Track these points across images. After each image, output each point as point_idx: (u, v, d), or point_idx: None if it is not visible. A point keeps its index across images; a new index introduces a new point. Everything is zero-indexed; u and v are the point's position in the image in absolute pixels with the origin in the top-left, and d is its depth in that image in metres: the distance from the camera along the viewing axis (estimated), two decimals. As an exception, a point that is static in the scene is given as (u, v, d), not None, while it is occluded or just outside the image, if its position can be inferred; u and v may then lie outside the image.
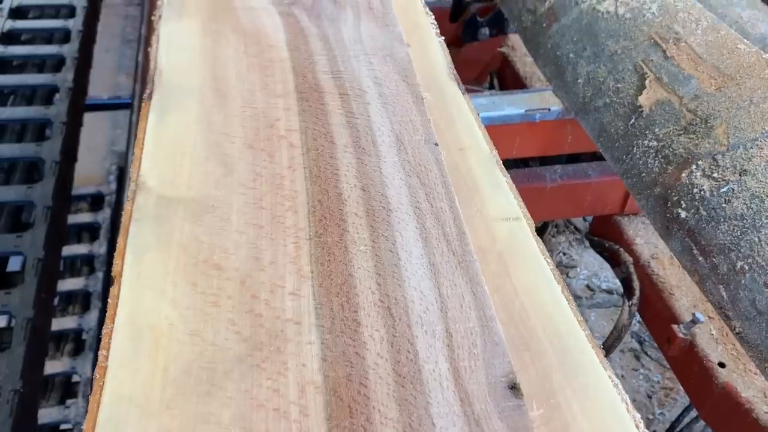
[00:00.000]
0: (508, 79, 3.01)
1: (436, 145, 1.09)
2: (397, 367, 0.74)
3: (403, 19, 1.42)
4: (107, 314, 0.81)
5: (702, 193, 1.22)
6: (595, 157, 2.44)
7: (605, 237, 2.59)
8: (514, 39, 2.97)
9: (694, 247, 1.29)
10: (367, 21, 1.36)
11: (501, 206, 1.04)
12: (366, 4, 1.41)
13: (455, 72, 1.35)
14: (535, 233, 1.05)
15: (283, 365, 0.74)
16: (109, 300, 0.83)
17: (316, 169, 1.01)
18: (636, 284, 2.35)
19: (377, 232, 0.92)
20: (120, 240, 0.89)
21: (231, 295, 0.82)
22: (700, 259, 1.27)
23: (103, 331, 0.79)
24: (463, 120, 1.21)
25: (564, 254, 4.35)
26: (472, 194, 1.05)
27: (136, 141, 1.06)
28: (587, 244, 3.86)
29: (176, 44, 1.22)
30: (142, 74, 2.46)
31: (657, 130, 1.34)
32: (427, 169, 1.03)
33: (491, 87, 3.29)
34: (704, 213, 1.23)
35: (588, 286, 4.22)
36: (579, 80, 1.61)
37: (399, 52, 1.29)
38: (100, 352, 0.75)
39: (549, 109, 2.27)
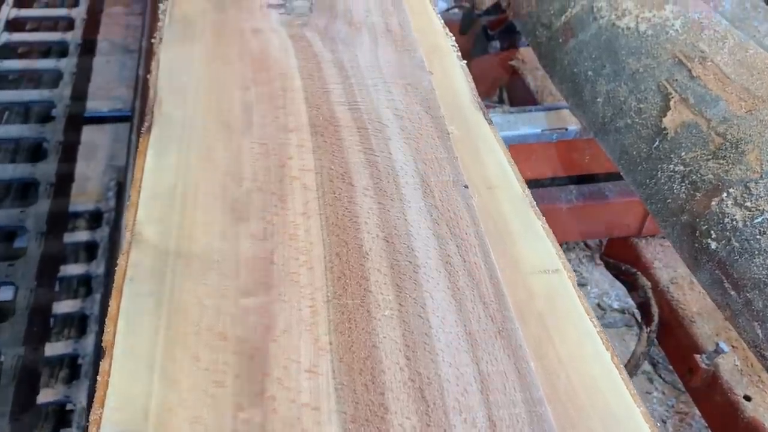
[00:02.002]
0: (518, 94, 2.91)
1: (466, 187, 0.98)
2: (434, 467, 0.63)
3: (422, 41, 1.31)
4: (96, 395, 0.70)
5: (734, 223, 1.14)
6: (610, 176, 2.34)
7: (621, 259, 2.49)
8: (525, 52, 2.88)
9: (725, 281, 1.20)
10: (385, 45, 1.25)
11: (538, 256, 0.93)
12: (383, 26, 1.31)
13: (479, 99, 1.24)
14: (577, 287, 0.94)
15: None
16: (98, 377, 0.72)
17: (333, 216, 0.90)
18: (654, 310, 2.25)
19: (404, 292, 0.80)
20: (112, 302, 0.78)
21: (239, 373, 0.71)
22: (733, 293, 1.19)
23: (91, 418, 0.68)
24: (491, 154, 1.10)
25: (574, 272, 4.24)
26: (505, 241, 0.94)
27: (132, 181, 0.95)
28: (598, 261, 3.75)
29: (178, 71, 1.12)
30: (142, 90, 2.36)
31: (683, 154, 1.26)
32: (457, 216, 0.92)
33: (500, 101, 3.19)
34: (737, 245, 1.15)
35: (599, 305, 4.11)
36: (598, 99, 1.52)
37: (421, 80, 1.18)
38: (87, 448, 0.64)
39: (566, 129, 2.18)
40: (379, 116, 1.08)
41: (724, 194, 1.18)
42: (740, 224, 1.15)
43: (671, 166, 1.29)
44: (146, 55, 2.32)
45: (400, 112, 1.10)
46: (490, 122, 1.19)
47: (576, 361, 0.81)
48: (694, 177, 1.24)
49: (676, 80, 1.35)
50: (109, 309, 0.76)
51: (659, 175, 1.33)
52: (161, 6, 1.27)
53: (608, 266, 2.59)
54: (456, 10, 3.16)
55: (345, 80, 1.15)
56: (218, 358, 0.72)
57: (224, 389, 0.70)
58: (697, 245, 1.24)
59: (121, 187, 3.25)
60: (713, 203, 1.20)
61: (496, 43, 2.80)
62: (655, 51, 1.42)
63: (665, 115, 1.34)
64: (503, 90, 3.19)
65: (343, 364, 0.73)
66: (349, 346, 0.75)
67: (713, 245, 1.19)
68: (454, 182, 0.97)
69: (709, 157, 1.23)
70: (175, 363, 0.72)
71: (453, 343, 0.75)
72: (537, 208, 1.03)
